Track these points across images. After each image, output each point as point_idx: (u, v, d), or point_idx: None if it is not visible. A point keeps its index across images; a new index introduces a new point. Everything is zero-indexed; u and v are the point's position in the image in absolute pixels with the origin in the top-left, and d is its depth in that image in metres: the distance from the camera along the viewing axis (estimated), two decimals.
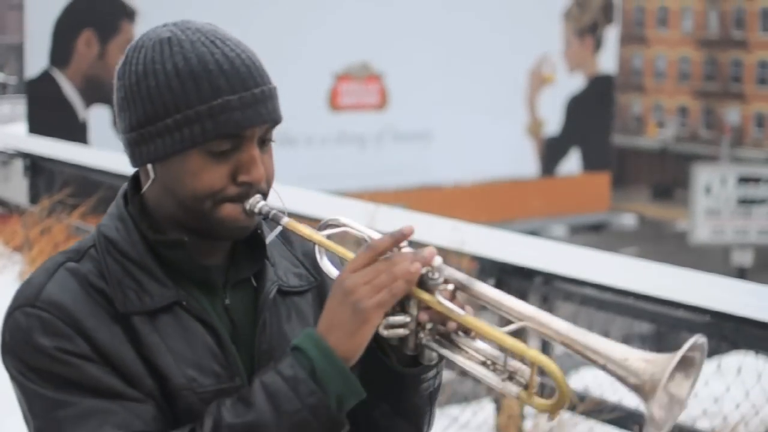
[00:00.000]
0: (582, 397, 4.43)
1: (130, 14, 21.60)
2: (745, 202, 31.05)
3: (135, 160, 1.47)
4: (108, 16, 21.50)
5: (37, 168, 9.11)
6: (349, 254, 1.45)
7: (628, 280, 4.41)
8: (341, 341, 1.37)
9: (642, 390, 1.27)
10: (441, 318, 1.40)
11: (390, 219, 5.65)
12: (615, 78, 30.90)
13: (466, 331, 1.41)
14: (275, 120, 1.47)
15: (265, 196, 1.48)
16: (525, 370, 1.35)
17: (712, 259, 31.18)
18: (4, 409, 4.58)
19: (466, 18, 26.06)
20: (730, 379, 4.17)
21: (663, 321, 4.72)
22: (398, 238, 1.40)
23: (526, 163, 28.28)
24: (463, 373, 1.43)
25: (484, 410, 5.18)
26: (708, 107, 50.04)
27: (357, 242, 1.49)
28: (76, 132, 20.35)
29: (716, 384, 4.36)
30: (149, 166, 1.47)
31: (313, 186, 9.82)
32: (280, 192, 1.53)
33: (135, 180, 1.54)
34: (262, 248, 1.55)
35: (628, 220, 34.61)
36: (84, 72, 21.48)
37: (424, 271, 1.38)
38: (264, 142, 1.48)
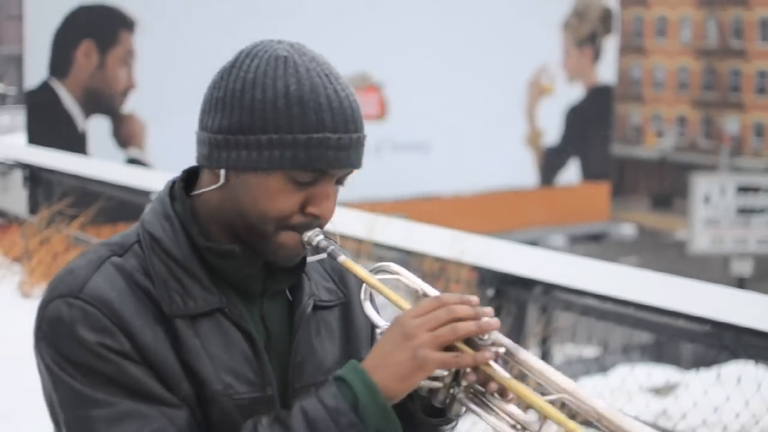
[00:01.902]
0: None
1: (129, 25, 21.59)
2: (745, 211, 31.08)
3: (210, 160, 1.47)
4: (107, 26, 21.49)
5: (37, 178, 9.13)
6: (402, 301, 1.45)
7: (627, 289, 4.41)
8: (389, 381, 1.37)
9: None
10: (484, 379, 1.40)
11: (389, 229, 5.65)
12: (614, 88, 30.92)
13: (502, 394, 1.40)
14: (358, 167, 1.49)
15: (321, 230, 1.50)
16: None
17: (712, 269, 31.20)
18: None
19: (465, 29, 26.08)
20: (729, 388, 4.16)
21: (663, 331, 4.72)
22: (465, 300, 1.39)
23: (525, 173, 28.28)
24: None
25: None
26: (707, 117, 50.09)
27: (408, 292, 1.49)
28: (76, 143, 20.33)
29: (716, 393, 4.36)
30: (221, 171, 1.46)
31: None
32: (337, 235, 1.55)
33: (187, 177, 1.54)
34: (302, 262, 1.55)
35: (627, 230, 34.56)
36: (83, 83, 21.47)
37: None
38: (338, 182, 1.49)
